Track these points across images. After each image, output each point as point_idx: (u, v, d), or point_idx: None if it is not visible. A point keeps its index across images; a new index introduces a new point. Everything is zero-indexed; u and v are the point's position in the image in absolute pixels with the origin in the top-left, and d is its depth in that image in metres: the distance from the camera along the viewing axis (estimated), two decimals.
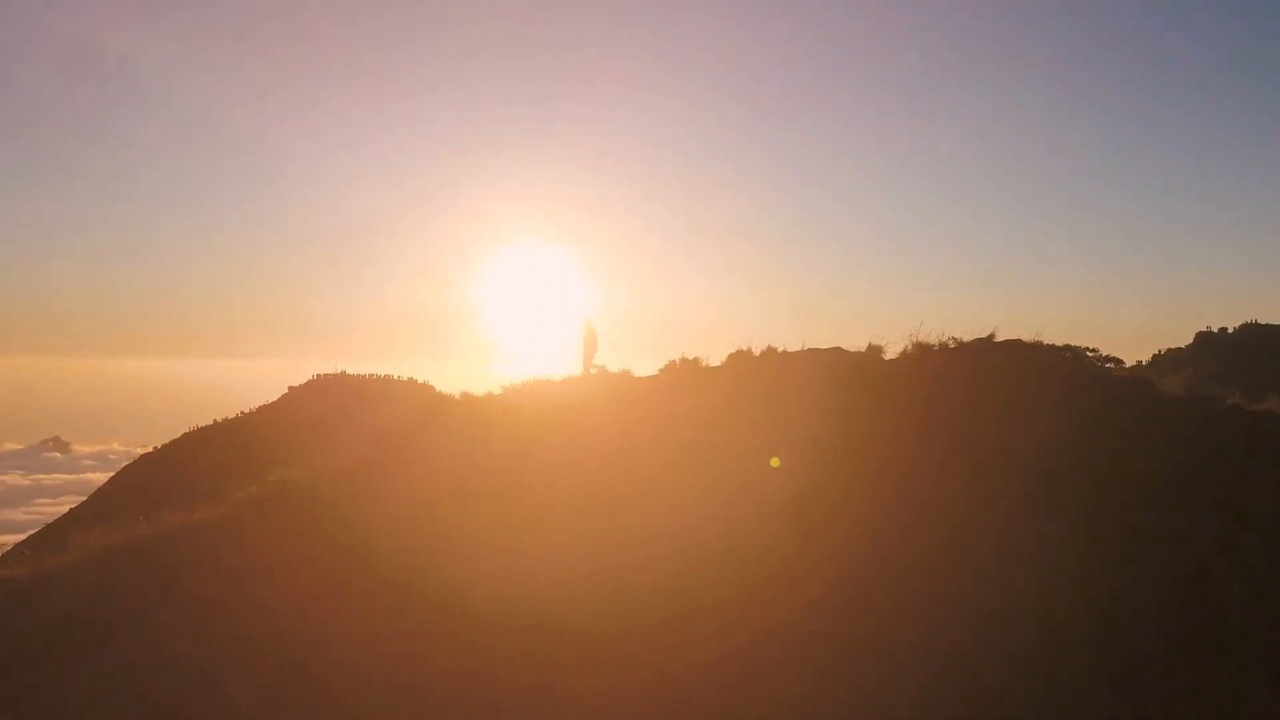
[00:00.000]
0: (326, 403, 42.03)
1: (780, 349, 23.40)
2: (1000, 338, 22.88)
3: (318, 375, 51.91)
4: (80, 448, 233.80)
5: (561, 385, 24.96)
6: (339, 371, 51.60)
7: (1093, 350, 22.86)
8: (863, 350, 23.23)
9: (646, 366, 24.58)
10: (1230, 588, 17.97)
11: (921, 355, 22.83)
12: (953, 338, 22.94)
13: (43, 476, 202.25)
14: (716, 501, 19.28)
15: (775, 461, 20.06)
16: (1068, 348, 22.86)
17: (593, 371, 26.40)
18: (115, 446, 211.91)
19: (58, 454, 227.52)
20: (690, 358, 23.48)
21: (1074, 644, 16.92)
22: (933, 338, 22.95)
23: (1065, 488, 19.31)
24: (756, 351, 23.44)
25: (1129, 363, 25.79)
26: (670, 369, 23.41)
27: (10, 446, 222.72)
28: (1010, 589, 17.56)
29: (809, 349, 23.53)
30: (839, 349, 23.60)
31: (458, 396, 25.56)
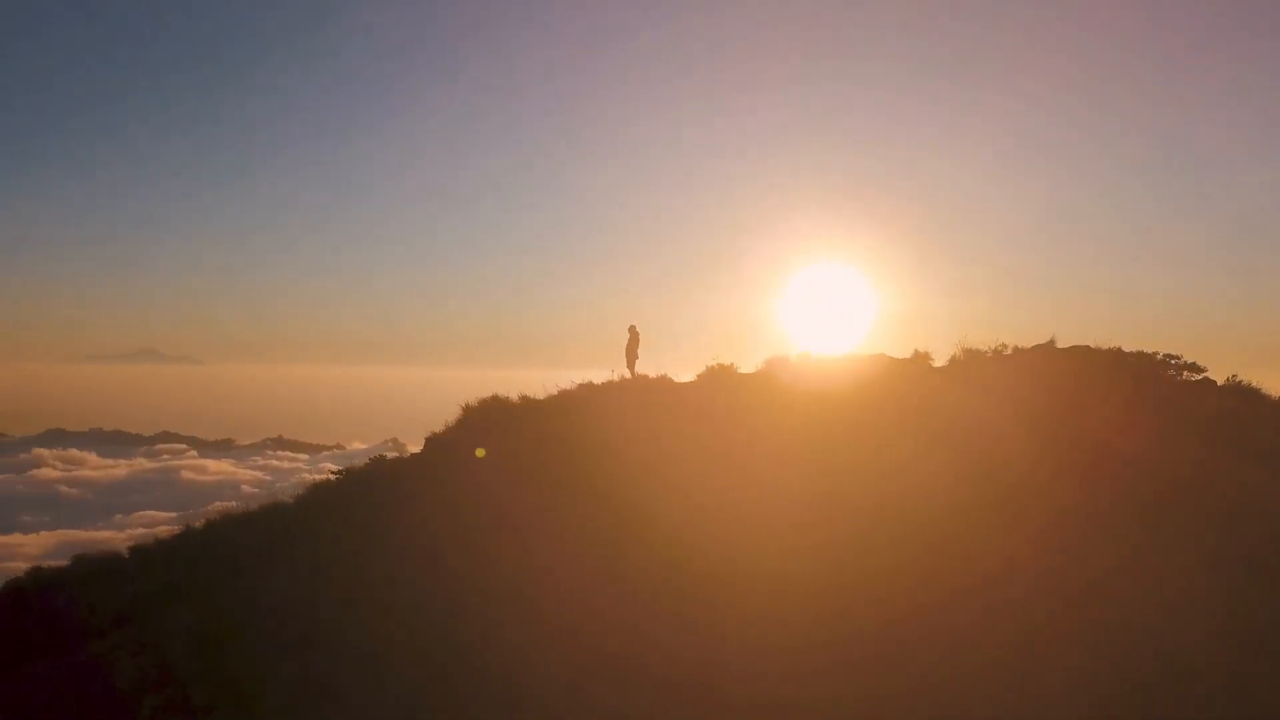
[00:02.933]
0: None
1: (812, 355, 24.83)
2: (1062, 344, 23.38)
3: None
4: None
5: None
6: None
7: (1175, 357, 23.31)
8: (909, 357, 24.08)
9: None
10: None
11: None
12: (1004, 343, 23.55)
13: None
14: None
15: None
16: (1138, 354, 23.49)
17: (636, 374, 27.64)
18: None
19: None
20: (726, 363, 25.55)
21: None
22: (984, 344, 23.60)
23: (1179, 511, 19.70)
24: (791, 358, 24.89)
25: None
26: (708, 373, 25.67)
27: (358, 445, 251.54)
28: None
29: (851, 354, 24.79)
30: (882, 354, 24.50)
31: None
